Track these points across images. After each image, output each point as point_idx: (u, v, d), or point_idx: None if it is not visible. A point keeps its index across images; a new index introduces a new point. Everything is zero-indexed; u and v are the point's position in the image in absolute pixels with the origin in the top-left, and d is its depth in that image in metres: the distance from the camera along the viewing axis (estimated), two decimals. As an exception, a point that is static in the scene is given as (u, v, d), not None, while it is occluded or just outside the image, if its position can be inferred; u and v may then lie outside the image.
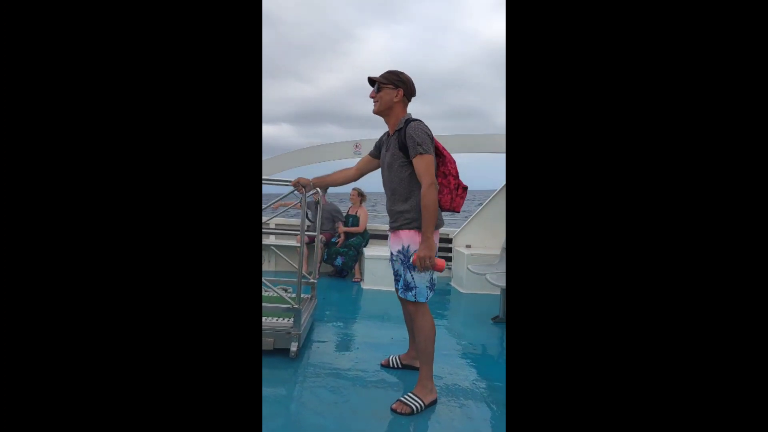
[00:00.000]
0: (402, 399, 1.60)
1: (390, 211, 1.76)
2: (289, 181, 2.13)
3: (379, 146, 1.88)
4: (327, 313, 3.01)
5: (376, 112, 1.75)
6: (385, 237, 5.06)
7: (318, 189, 2.34)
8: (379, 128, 1.90)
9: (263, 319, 2.19)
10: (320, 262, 4.19)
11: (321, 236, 3.88)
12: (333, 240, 4.35)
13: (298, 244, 3.03)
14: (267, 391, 1.72)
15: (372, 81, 1.74)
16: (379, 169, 1.90)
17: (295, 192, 2.18)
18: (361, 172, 1.98)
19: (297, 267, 2.88)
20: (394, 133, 1.71)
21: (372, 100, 1.76)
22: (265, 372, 1.88)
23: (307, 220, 2.26)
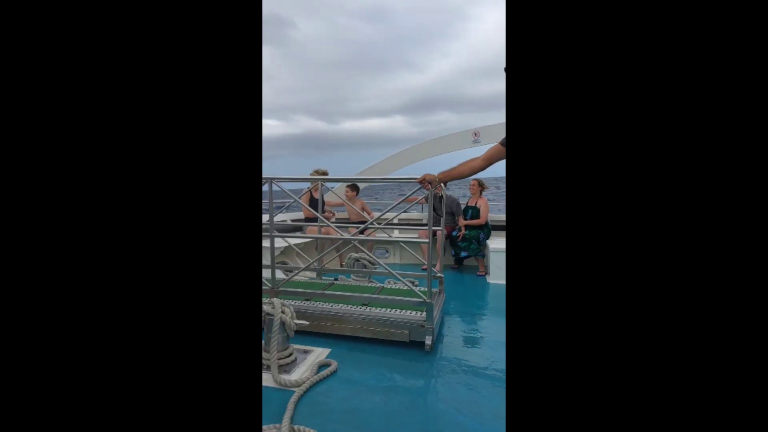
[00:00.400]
0: None
1: None
2: (415, 178, 2.16)
3: None
4: (454, 307, 2.98)
5: None
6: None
7: (442, 183, 2.32)
8: (494, 110, 1.75)
9: (398, 311, 2.28)
10: (442, 256, 4.19)
11: (443, 230, 3.86)
12: (454, 234, 4.30)
13: (422, 240, 3.08)
14: (408, 381, 1.79)
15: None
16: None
17: (421, 188, 2.21)
18: (489, 162, 1.87)
19: (424, 261, 2.93)
20: None
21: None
22: (403, 363, 1.96)
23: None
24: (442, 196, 3.00)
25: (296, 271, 2.62)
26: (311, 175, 4.13)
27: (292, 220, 4.54)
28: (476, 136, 4.35)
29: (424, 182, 2.12)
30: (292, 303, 2.20)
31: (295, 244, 3.49)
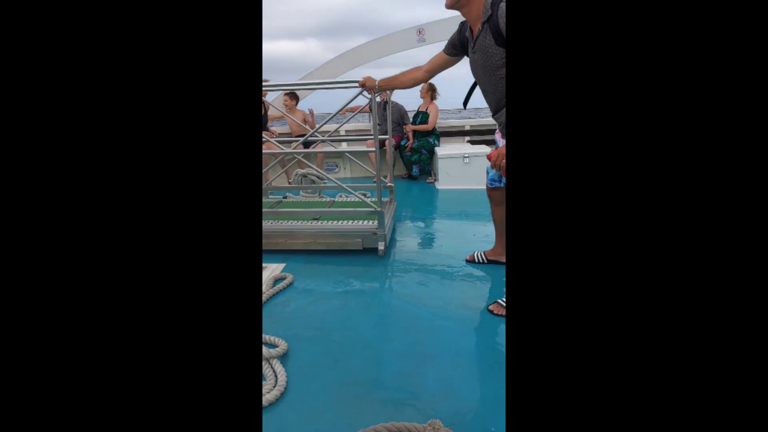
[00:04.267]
0: (499, 301, 1.63)
1: (499, 123, 1.58)
2: (356, 82, 2.01)
3: (458, 44, 1.59)
4: (405, 214, 3.08)
5: (450, 5, 1.43)
6: (457, 134, 4.80)
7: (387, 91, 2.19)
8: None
9: (350, 222, 2.30)
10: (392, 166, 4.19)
11: (391, 139, 3.79)
12: (402, 143, 4.25)
13: (370, 149, 3.00)
14: (363, 285, 1.88)
15: None
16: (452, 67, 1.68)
17: (364, 94, 2.07)
18: (431, 74, 1.75)
19: (373, 172, 2.90)
20: (481, 27, 1.38)
21: None
22: (358, 269, 2.05)
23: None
24: (386, 103, 2.87)
25: None
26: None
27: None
28: (421, 35, 4.05)
29: (365, 86, 1.98)
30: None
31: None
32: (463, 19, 1.51)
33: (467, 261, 2.07)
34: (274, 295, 1.76)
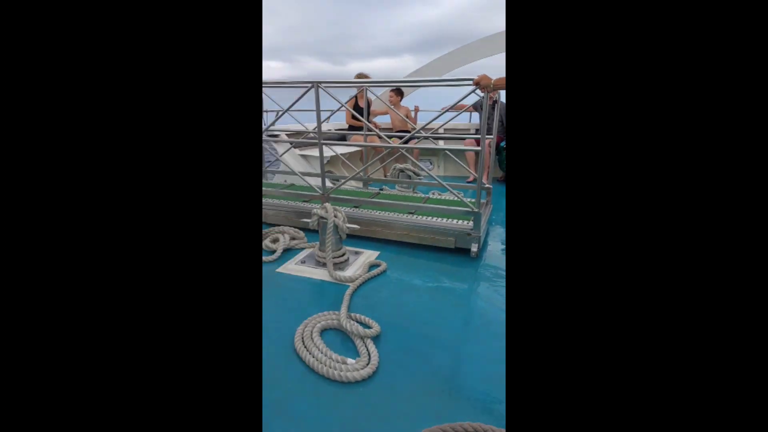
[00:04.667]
0: None
1: None
2: (471, 80, 2.00)
3: None
4: (498, 218, 2.98)
5: None
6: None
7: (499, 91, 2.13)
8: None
9: (444, 220, 2.32)
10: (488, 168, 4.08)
11: (494, 139, 3.68)
12: (501, 144, 4.10)
13: (467, 148, 2.97)
14: (453, 284, 1.89)
15: None
16: None
17: (477, 92, 2.05)
18: None
19: (470, 171, 2.86)
20: None
21: None
22: (448, 267, 2.06)
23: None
24: (495, 102, 2.80)
25: (344, 180, 2.68)
26: (355, 79, 3.95)
27: (336, 129, 4.50)
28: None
29: (479, 85, 1.96)
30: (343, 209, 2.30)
31: (341, 153, 3.50)
32: None
33: None
34: (368, 279, 1.87)
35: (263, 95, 2.75)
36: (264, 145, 3.07)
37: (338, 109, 2.82)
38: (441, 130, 4.46)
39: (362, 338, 1.37)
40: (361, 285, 1.83)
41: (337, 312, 1.52)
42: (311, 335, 1.38)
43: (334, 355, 1.28)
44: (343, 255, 2.02)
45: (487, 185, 2.73)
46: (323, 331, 1.45)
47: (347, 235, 2.00)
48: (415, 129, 2.62)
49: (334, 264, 1.95)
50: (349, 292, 1.70)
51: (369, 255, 2.17)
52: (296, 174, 2.73)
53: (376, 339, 1.41)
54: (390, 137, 3.66)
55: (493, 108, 2.86)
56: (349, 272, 1.93)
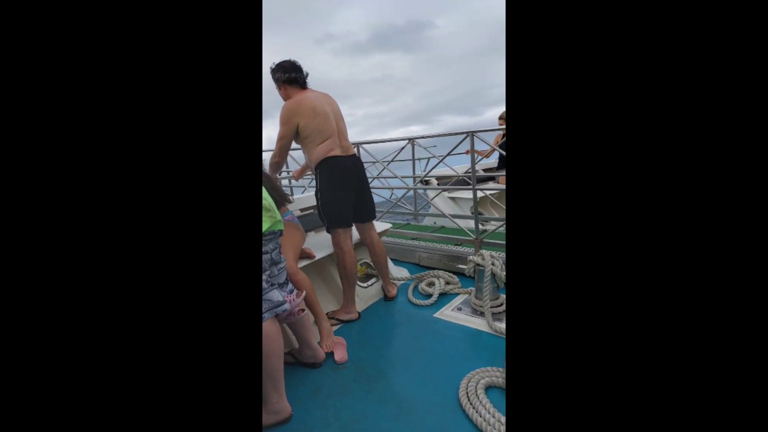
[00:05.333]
0: None
1: None
2: None
3: None
4: None
5: None
6: None
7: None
8: None
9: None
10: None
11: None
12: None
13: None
14: None
15: None
16: None
17: None
18: None
19: None
20: None
21: None
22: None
23: None
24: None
25: (500, 224, 2.63)
26: (499, 122, 3.95)
27: (484, 170, 4.49)
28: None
29: None
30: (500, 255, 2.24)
31: (489, 194, 3.46)
32: None
33: None
34: None
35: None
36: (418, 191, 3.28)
37: (491, 151, 2.83)
38: None
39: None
40: None
41: (501, 369, 1.46)
42: (476, 391, 1.35)
43: (503, 418, 1.22)
44: (501, 305, 1.94)
45: None
46: (487, 389, 1.40)
47: (504, 283, 1.93)
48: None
49: (493, 314, 1.89)
50: (511, 346, 1.61)
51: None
52: (446, 217, 2.81)
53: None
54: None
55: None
56: (509, 324, 1.84)
